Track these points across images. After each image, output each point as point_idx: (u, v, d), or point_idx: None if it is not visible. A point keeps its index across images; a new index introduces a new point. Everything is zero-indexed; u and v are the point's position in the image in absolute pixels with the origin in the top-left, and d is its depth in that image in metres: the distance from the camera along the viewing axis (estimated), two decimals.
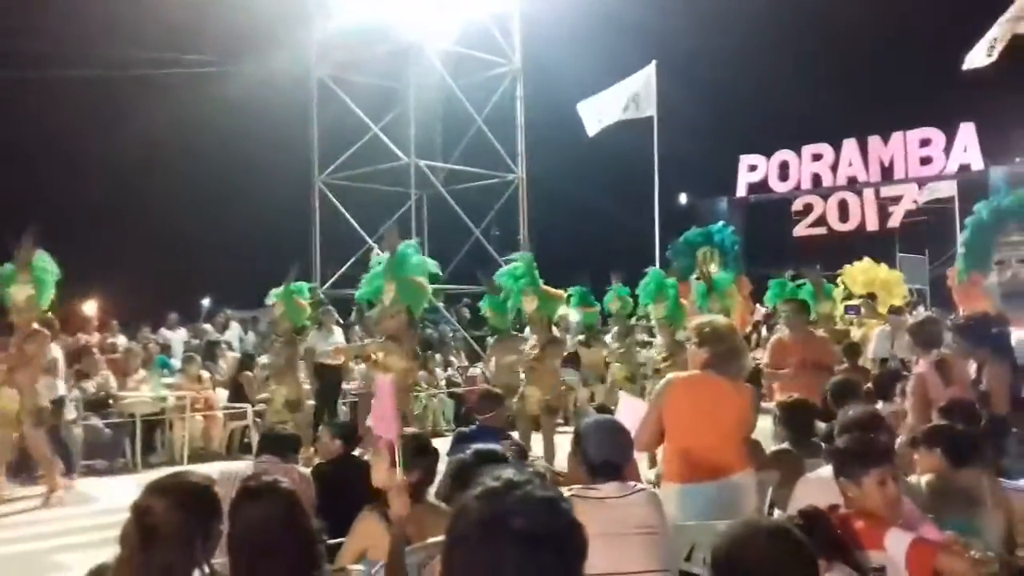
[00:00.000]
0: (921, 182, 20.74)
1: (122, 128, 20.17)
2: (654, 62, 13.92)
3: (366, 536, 3.68)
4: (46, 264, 8.90)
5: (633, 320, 12.44)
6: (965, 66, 13.68)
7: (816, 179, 21.48)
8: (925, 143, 20.25)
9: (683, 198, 26.16)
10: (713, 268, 12.66)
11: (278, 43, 18.19)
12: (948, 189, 21.06)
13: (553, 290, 10.42)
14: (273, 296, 10.36)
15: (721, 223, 14.37)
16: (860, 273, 15.26)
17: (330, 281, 17.93)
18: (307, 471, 5.22)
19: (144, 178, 20.13)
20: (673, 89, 14.86)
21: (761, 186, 21.99)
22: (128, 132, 20.06)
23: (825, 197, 21.39)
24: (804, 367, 7.14)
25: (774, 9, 24.35)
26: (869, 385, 6.26)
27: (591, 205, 26.05)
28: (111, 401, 11.25)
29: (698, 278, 11.32)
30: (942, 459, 3.93)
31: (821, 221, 21.32)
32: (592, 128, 15.94)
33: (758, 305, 12.96)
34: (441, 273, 10.32)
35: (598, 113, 15.53)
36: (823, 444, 5.03)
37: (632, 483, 3.55)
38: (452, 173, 19.09)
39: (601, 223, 26.28)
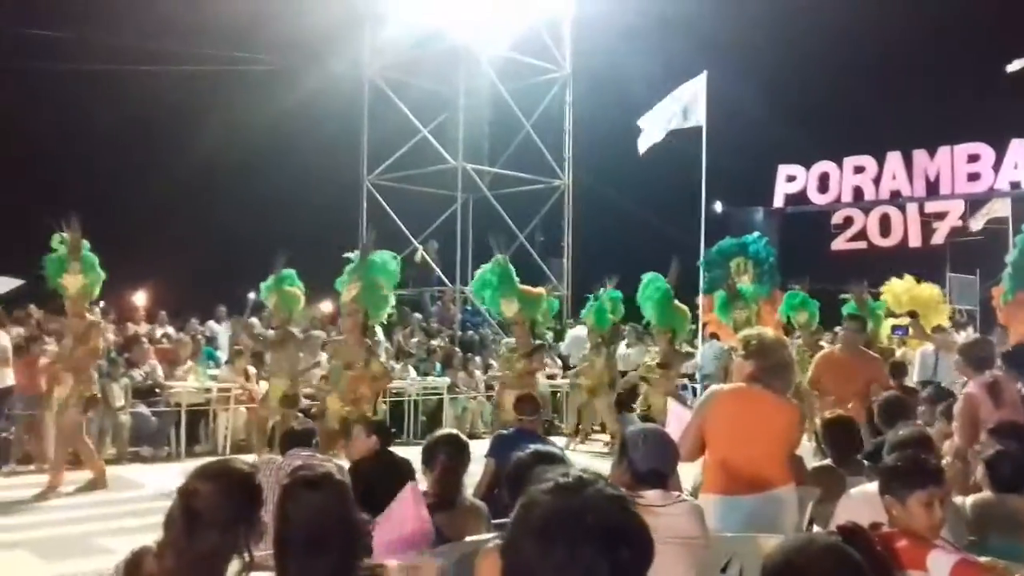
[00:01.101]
0: (968, 199, 20.30)
1: (175, 125, 20.49)
2: (705, 73, 13.76)
3: None
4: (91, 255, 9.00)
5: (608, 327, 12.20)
6: (1010, 69, 13.06)
7: (857, 192, 21.02)
8: (973, 159, 19.76)
9: (718, 207, 25.75)
10: (746, 280, 12.48)
11: (332, 45, 18.38)
12: (1004, 208, 20.57)
13: (533, 290, 10.13)
14: (264, 290, 9.97)
15: (756, 234, 14.14)
16: (901, 291, 14.92)
17: None
18: (344, 464, 5.27)
19: (198, 175, 20.42)
20: (715, 95, 14.74)
21: (799, 197, 21.56)
22: (181, 129, 20.36)
23: (866, 211, 20.92)
24: (860, 386, 7.04)
25: (821, 15, 23.99)
26: (922, 407, 6.15)
27: (634, 212, 25.87)
28: (158, 390, 11.48)
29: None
30: (987, 484, 3.93)
31: (861, 235, 20.83)
32: (643, 145, 15.66)
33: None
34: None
35: (652, 126, 15.28)
36: (866, 462, 5.00)
37: (675, 493, 3.57)
38: (498, 177, 19.17)
39: (643, 231, 26.11)
